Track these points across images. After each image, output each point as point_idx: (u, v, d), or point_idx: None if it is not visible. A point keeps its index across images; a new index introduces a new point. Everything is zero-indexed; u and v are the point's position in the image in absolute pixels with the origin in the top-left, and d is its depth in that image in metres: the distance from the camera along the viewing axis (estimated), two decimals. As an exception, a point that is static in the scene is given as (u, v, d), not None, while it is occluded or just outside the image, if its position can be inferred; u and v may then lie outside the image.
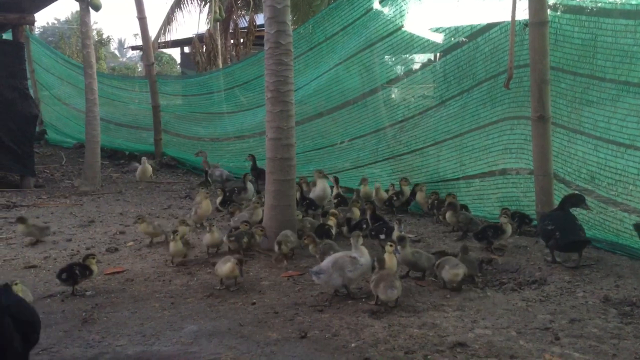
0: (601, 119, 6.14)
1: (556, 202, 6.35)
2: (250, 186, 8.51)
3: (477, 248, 6.05)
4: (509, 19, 6.64)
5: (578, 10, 6.67)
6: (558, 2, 6.62)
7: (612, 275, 5.12)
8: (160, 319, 4.40)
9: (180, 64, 38.38)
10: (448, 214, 6.69)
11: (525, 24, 6.50)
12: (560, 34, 6.53)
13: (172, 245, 5.76)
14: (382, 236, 5.83)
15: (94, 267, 5.07)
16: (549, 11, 6.31)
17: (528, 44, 6.35)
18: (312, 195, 7.90)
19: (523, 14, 6.49)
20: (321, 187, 7.92)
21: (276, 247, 5.79)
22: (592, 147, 6.22)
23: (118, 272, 5.60)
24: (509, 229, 5.98)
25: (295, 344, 3.87)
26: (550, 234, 5.42)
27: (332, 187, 8.20)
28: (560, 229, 5.36)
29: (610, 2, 6.26)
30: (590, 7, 6.44)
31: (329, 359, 3.65)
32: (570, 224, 5.44)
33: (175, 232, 5.79)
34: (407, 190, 7.90)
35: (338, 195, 8.01)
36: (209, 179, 9.90)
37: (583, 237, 5.39)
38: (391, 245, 4.93)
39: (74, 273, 4.95)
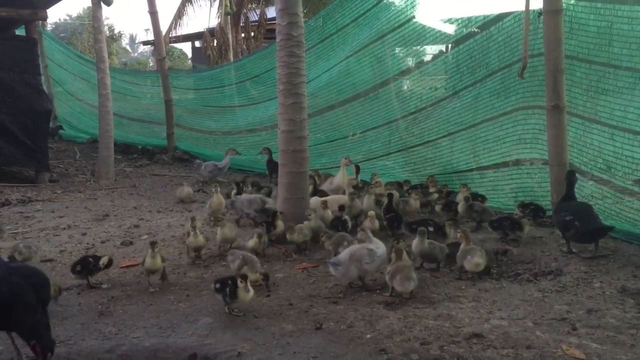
0: (617, 108, 6.07)
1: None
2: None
3: (492, 239, 6.02)
4: (522, 7, 6.57)
5: (593, -3, 6.58)
6: (572, -10, 6.55)
7: (629, 265, 5.06)
8: (176, 312, 4.42)
9: (192, 58, 38.52)
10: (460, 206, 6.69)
11: (540, 13, 6.43)
12: (575, 22, 6.45)
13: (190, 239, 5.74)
14: (431, 228, 5.69)
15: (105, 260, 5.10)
16: (563, -1, 6.24)
17: (542, 33, 6.28)
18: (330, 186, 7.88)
19: (537, 2, 6.42)
20: (339, 177, 7.91)
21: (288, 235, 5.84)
22: (608, 136, 6.15)
23: (133, 266, 5.62)
24: (527, 228, 5.90)
25: (310, 336, 3.87)
26: (568, 225, 5.36)
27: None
28: (579, 219, 5.29)
29: (626, -11, 6.18)
30: (605, -6, 6.35)
31: (344, 350, 3.64)
32: (588, 213, 5.39)
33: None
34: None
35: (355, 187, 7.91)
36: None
37: (603, 224, 5.34)
38: (397, 242, 4.93)
39: (88, 264, 4.99)
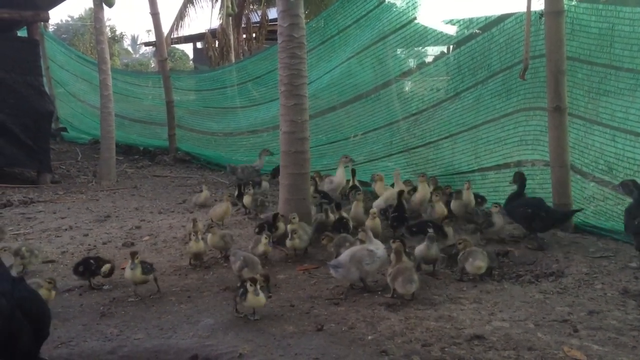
0: (619, 109, 6.07)
1: (574, 194, 6.31)
2: (265, 184, 8.55)
3: (494, 241, 6.02)
4: (524, 9, 6.57)
5: (594, -2, 6.58)
6: (574, -9, 6.55)
7: (630, 267, 5.06)
8: (177, 313, 4.43)
9: (193, 60, 38.62)
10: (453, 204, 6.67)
11: (541, 14, 6.42)
12: (576, 23, 6.44)
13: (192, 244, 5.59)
14: (431, 230, 5.65)
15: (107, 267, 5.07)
16: (564, 0, 6.23)
17: (544, 34, 6.27)
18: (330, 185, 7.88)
19: (538, 3, 6.42)
20: (339, 176, 7.90)
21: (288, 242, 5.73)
22: (610, 137, 6.15)
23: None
24: (498, 220, 5.95)
25: (311, 337, 3.87)
26: (533, 216, 5.74)
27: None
28: (542, 210, 5.76)
29: (627, -10, 6.19)
30: (606, -4, 6.36)
31: (345, 352, 3.64)
32: (545, 204, 5.93)
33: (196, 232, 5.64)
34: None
35: (354, 187, 7.85)
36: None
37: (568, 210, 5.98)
38: (394, 242, 4.90)
39: (90, 266, 5.00)
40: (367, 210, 6.44)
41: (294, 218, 5.92)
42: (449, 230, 5.71)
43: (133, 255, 4.77)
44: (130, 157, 13.84)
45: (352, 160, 8.31)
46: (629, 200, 5.97)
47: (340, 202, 6.97)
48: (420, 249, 5.11)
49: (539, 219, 5.70)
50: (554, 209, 5.99)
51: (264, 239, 5.57)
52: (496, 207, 6.03)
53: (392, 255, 4.62)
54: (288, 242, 5.74)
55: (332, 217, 6.41)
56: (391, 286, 4.48)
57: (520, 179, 6.25)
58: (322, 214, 6.49)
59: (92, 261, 5.06)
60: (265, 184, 8.60)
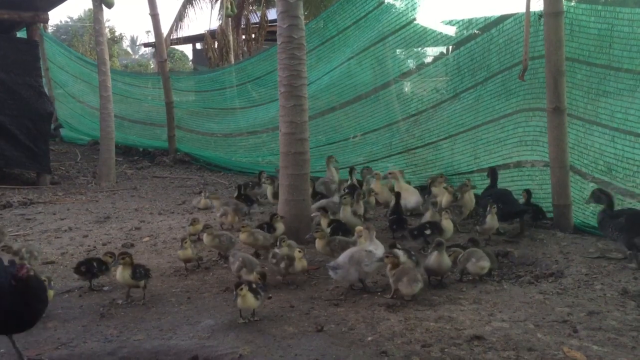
0: (618, 110, 6.08)
1: (573, 194, 6.32)
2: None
3: (493, 241, 6.03)
4: (523, 9, 6.58)
5: (593, -1, 6.59)
6: (573, -8, 6.55)
7: (630, 267, 5.06)
8: (177, 314, 4.43)
9: (193, 60, 38.55)
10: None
11: (540, 15, 6.43)
12: (575, 24, 6.45)
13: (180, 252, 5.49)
14: (428, 232, 5.68)
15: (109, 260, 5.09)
16: (564, 1, 6.24)
17: (543, 35, 6.28)
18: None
19: (538, 4, 6.43)
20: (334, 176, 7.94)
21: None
22: (609, 138, 6.15)
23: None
24: (490, 219, 5.95)
25: (311, 338, 3.88)
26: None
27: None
28: (502, 202, 6.13)
29: (626, -9, 6.20)
30: (605, -3, 6.38)
31: (345, 353, 3.64)
32: (509, 197, 6.34)
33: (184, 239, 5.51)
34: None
35: (352, 187, 7.77)
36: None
37: (521, 207, 6.32)
38: (392, 245, 4.87)
39: (92, 268, 5.00)
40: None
41: (244, 227, 5.72)
42: (448, 223, 5.71)
43: (119, 255, 4.79)
44: (130, 158, 13.85)
45: (337, 161, 8.36)
46: (628, 201, 6.01)
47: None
48: (433, 260, 4.78)
49: (499, 209, 6.05)
50: (515, 202, 6.34)
51: (298, 253, 4.96)
52: (493, 207, 6.04)
53: (386, 258, 4.55)
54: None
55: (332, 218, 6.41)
56: (394, 287, 4.48)
57: (492, 174, 6.77)
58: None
59: (94, 263, 5.05)
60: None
